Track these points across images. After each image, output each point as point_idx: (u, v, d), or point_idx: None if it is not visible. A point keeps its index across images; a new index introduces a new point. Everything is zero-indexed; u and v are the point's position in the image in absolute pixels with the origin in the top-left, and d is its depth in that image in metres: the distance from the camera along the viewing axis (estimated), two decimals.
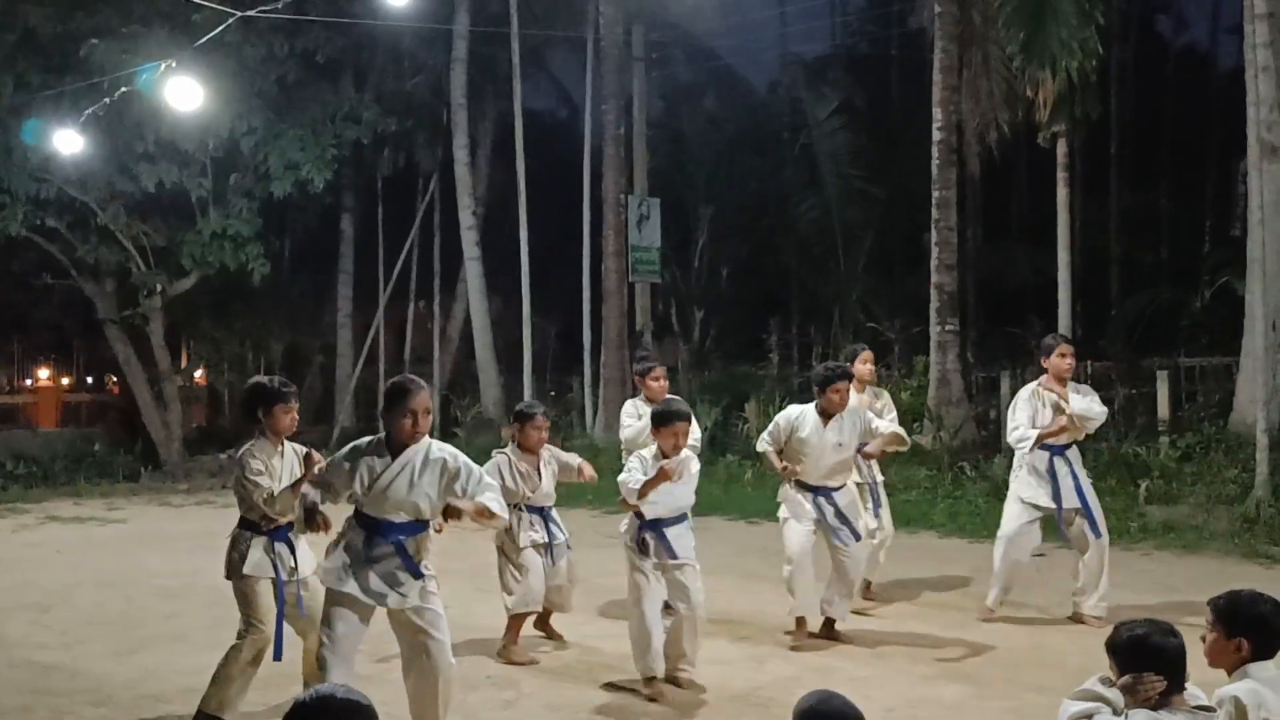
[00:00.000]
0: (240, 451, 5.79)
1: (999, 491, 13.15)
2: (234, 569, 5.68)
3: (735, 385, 18.58)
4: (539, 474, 7.25)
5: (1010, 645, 7.16)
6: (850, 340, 18.89)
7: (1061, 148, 15.03)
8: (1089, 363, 15.89)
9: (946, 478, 13.85)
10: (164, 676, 6.75)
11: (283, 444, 5.77)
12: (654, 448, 6.41)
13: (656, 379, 8.30)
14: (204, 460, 20.05)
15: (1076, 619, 7.61)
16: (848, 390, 7.26)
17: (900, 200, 20.68)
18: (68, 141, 13.61)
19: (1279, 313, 12.49)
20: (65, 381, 35.59)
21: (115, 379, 27.03)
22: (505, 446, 7.39)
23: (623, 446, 8.15)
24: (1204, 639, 3.67)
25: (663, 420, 6.38)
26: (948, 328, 15.05)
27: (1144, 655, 3.47)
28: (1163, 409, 14.43)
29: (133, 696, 6.36)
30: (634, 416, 8.16)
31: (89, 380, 35.14)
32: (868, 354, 8.67)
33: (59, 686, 6.60)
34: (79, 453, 20.40)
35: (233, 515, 5.85)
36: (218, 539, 5.99)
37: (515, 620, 7.10)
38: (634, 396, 8.54)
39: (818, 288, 22.41)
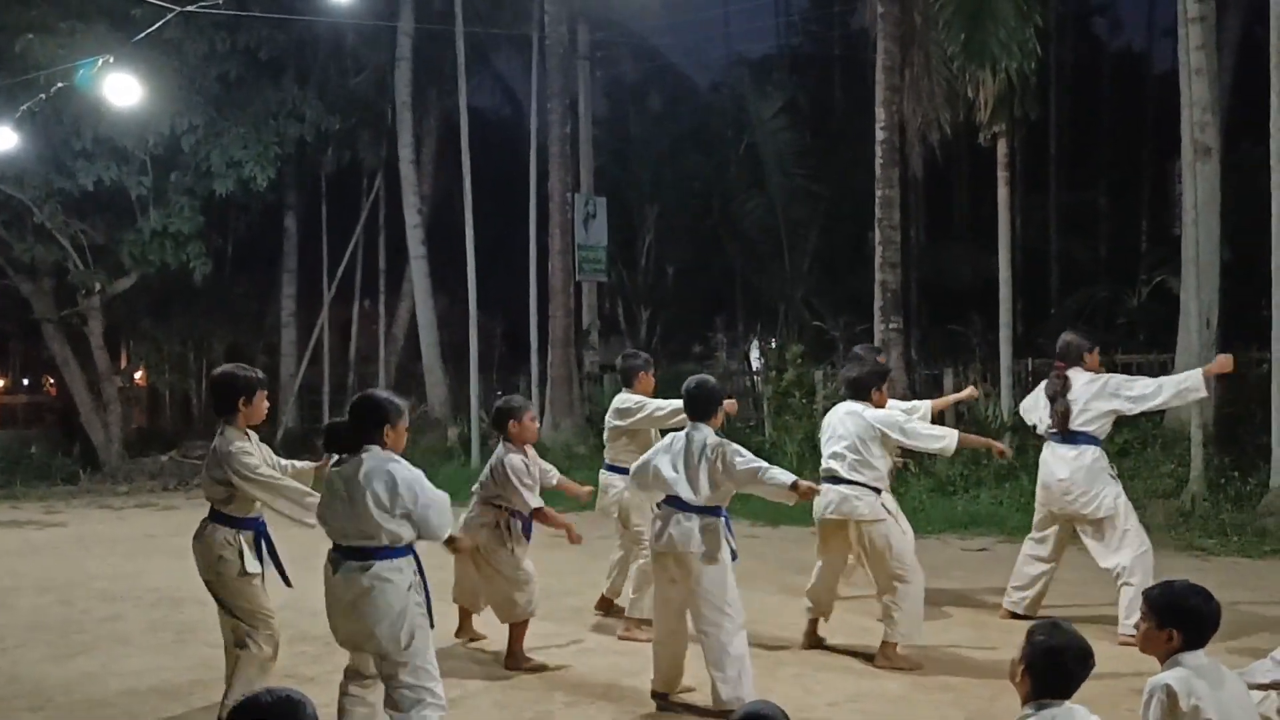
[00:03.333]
0: (219, 447, 5.33)
1: (942, 488, 13.38)
2: (233, 568, 5.28)
3: (682, 384, 18.56)
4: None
5: (952, 638, 7.26)
6: (796, 338, 19.06)
7: (1002, 147, 15.19)
8: (1030, 359, 16.11)
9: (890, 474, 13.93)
10: (103, 680, 6.67)
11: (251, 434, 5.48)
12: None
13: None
14: (144, 462, 19.78)
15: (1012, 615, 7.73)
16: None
17: (844, 199, 20.82)
18: (2, 138, 13.35)
19: (1212, 310, 12.75)
20: (0, 383, 34.94)
21: (53, 380, 26.62)
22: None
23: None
24: (1136, 628, 3.77)
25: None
26: (892, 326, 15.17)
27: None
28: None
29: (71, 700, 6.28)
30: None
31: (25, 381, 34.53)
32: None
33: None
34: (15, 455, 20.07)
35: (175, 518, 5.75)
36: (159, 541, 5.89)
37: (520, 629, 6.76)
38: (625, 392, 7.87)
39: (763, 286, 22.50)
